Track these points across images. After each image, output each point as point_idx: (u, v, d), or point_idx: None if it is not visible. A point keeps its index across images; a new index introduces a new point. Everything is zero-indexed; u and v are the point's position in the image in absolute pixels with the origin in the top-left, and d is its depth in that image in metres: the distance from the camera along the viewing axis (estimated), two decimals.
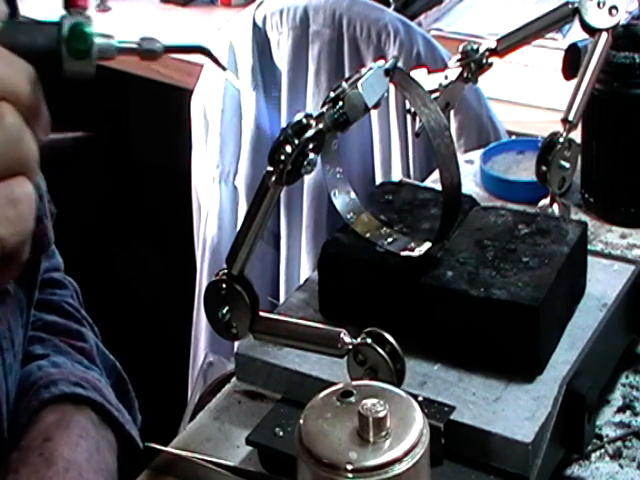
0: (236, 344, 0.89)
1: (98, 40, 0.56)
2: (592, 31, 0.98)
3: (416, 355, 0.82)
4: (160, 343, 2.07)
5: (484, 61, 1.00)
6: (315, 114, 0.70)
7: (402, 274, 0.83)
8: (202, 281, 1.86)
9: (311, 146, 0.69)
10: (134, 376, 0.96)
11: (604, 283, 0.89)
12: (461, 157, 1.24)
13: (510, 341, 0.80)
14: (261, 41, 1.76)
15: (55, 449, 0.78)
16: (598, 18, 0.97)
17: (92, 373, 0.86)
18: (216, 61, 0.64)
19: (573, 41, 1.04)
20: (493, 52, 1.00)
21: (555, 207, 1.01)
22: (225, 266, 0.76)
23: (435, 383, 0.81)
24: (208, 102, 1.79)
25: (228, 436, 0.86)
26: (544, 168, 0.98)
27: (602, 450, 0.82)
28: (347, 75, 0.74)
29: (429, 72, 0.98)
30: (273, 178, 0.71)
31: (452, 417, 0.76)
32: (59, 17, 0.56)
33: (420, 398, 0.76)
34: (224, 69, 0.65)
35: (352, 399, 0.61)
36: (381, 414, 0.59)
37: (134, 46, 0.58)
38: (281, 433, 0.81)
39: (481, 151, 1.23)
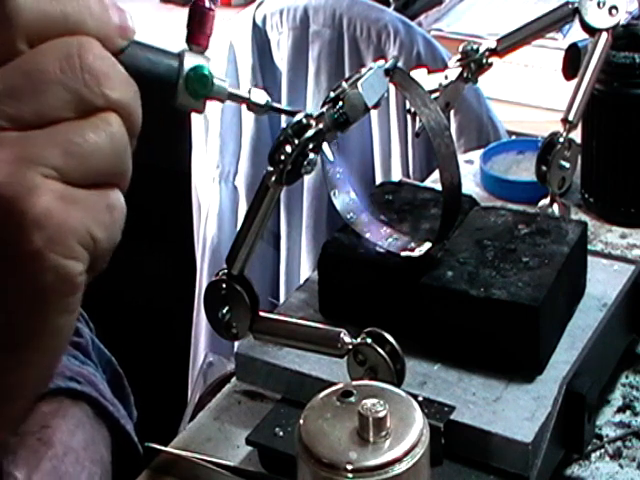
0: (236, 344, 0.89)
1: (215, 82, 0.59)
2: (592, 31, 0.98)
3: (416, 355, 0.82)
4: (160, 343, 2.07)
5: (484, 61, 1.00)
6: (315, 114, 0.70)
7: (402, 274, 0.83)
8: (202, 281, 1.86)
9: (311, 146, 0.69)
10: (134, 376, 0.96)
11: (604, 283, 0.89)
12: (461, 157, 1.24)
13: (510, 341, 0.80)
14: (261, 41, 1.76)
15: (53, 434, 0.78)
16: (598, 18, 0.97)
17: (87, 368, 0.86)
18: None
19: (573, 41, 1.04)
20: (493, 52, 1.00)
21: (555, 207, 1.01)
22: (225, 266, 0.76)
23: (435, 383, 0.81)
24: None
25: (228, 436, 0.86)
26: (544, 168, 0.98)
27: (602, 450, 0.82)
28: (347, 75, 0.74)
29: (429, 72, 0.98)
30: (273, 178, 0.71)
31: (452, 417, 0.76)
32: (180, 50, 0.58)
33: (420, 398, 0.76)
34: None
35: (352, 399, 0.61)
36: (381, 414, 0.59)
37: (245, 95, 0.62)
38: (281, 433, 0.81)
39: (481, 151, 1.23)
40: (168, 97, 0.58)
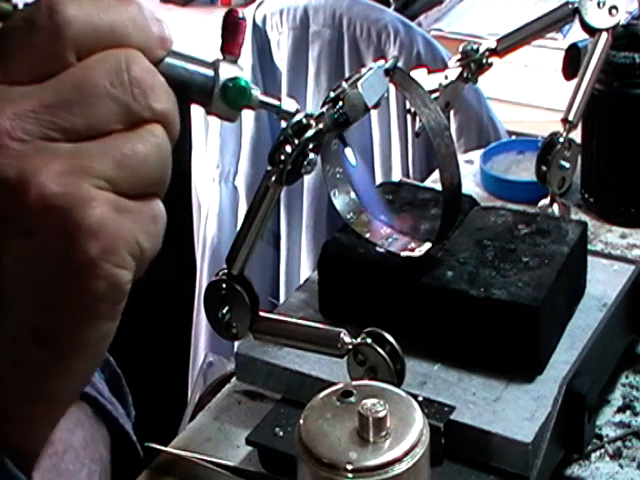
0: (236, 344, 0.89)
1: (252, 92, 0.60)
2: (592, 31, 0.98)
3: (416, 355, 0.82)
4: (160, 343, 2.07)
5: (484, 61, 1.00)
6: (315, 114, 0.70)
7: (402, 274, 0.83)
8: (202, 281, 1.86)
9: (311, 146, 0.69)
10: (134, 376, 0.96)
11: (604, 283, 0.89)
12: (461, 157, 1.24)
13: (510, 341, 0.80)
14: (261, 41, 1.76)
15: (53, 433, 0.78)
16: (598, 18, 0.97)
17: None
18: (341, 138, 0.73)
19: (573, 41, 1.04)
20: (493, 52, 1.00)
21: (555, 207, 1.01)
22: (225, 266, 0.76)
23: (435, 383, 0.81)
24: None
25: (228, 436, 0.86)
26: (544, 168, 0.98)
27: (602, 450, 0.82)
28: (347, 75, 0.74)
29: (429, 72, 0.98)
30: (273, 178, 0.71)
31: (452, 417, 0.76)
32: (214, 59, 0.59)
33: (420, 398, 0.76)
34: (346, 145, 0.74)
35: (352, 399, 0.61)
36: (381, 414, 0.59)
37: (275, 103, 0.63)
38: (281, 433, 0.81)
39: (481, 151, 1.23)
40: (202, 105, 0.59)
